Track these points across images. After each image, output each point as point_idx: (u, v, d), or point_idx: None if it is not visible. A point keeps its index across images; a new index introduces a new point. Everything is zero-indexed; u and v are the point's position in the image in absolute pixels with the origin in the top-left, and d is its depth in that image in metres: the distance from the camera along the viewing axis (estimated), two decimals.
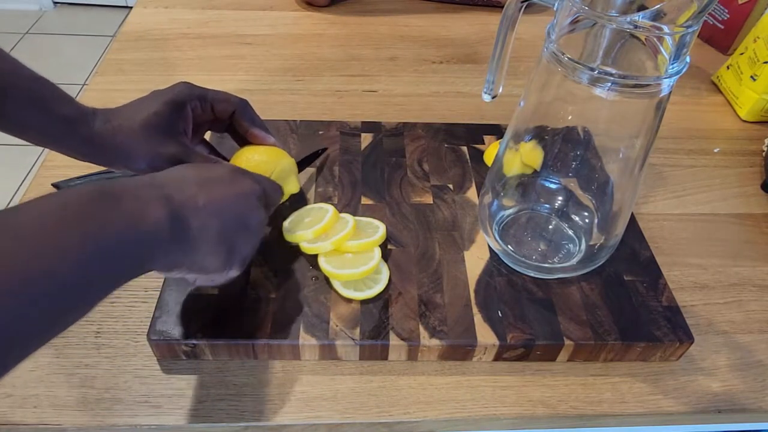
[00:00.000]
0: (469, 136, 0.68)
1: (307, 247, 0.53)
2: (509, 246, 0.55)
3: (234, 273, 0.45)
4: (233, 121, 0.55)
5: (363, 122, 0.69)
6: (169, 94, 0.51)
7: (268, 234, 0.55)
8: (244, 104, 0.55)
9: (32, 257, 0.29)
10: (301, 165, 0.61)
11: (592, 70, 0.42)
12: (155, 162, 0.50)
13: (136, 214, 0.35)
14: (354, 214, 0.57)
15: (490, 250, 0.56)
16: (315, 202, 0.59)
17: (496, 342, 0.48)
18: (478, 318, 0.50)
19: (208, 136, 0.61)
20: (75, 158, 0.51)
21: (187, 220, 0.39)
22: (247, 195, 0.44)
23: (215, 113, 0.54)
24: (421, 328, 0.49)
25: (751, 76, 0.78)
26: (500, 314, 0.50)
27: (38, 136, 0.49)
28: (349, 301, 0.50)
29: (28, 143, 0.50)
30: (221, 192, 0.42)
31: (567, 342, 0.49)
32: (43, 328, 0.31)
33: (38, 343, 0.31)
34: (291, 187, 0.56)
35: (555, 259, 0.55)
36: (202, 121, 0.54)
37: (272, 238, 0.55)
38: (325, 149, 0.65)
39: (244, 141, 0.56)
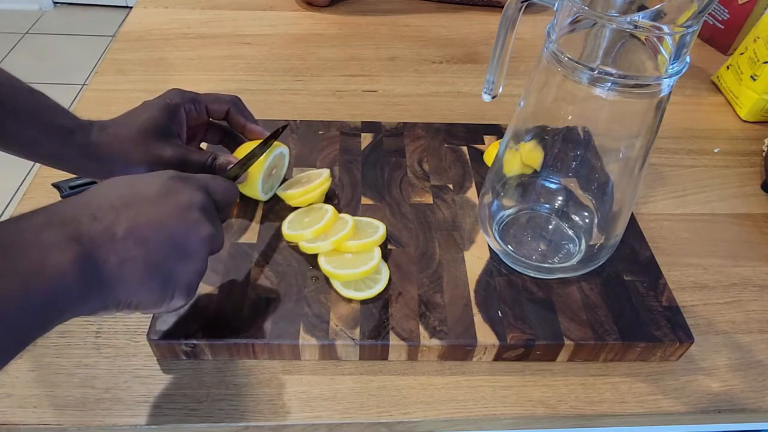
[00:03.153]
0: (469, 136, 0.68)
1: (306, 247, 0.53)
2: (509, 246, 0.55)
3: (178, 303, 0.39)
4: (229, 119, 0.56)
5: (363, 122, 0.69)
6: (161, 101, 0.52)
7: (225, 247, 0.50)
8: (237, 101, 0.56)
9: None
10: (266, 143, 0.57)
11: (592, 70, 0.42)
12: (154, 167, 0.50)
13: (31, 272, 0.30)
14: (354, 214, 0.57)
15: (490, 250, 0.56)
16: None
17: (496, 342, 0.48)
18: (478, 318, 0.50)
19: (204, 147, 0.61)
20: (72, 172, 0.51)
21: (102, 258, 0.33)
22: (184, 209, 0.38)
23: (209, 114, 0.55)
24: (421, 328, 0.49)
25: (751, 76, 0.78)
26: (500, 314, 0.50)
27: (35, 148, 0.48)
28: (349, 301, 0.50)
29: None
30: (148, 212, 0.36)
31: (567, 342, 0.49)
32: None
33: None
34: (283, 171, 0.60)
35: (555, 259, 0.55)
36: (197, 123, 0.55)
37: (272, 238, 0.55)
38: (286, 125, 0.60)
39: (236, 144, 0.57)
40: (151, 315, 0.49)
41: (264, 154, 0.55)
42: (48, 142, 0.48)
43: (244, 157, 0.53)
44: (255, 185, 0.55)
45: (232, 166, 0.52)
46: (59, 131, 0.48)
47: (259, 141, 0.55)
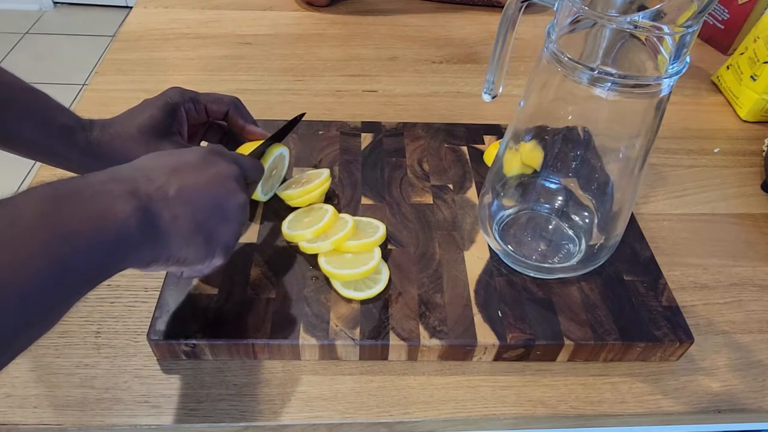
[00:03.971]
0: (469, 136, 0.68)
1: (306, 247, 0.53)
2: (509, 246, 0.55)
3: (218, 262, 0.43)
4: (228, 120, 0.56)
5: (363, 122, 0.69)
6: (161, 99, 0.52)
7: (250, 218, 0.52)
8: (237, 102, 0.56)
9: None
10: (281, 135, 0.58)
11: (592, 70, 0.42)
12: None
13: (100, 215, 0.33)
14: (354, 214, 0.57)
15: (490, 250, 0.56)
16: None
17: (496, 342, 0.48)
18: (478, 318, 0.50)
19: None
20: (73, 171, 0.51)
21: (157, 212, 0.37)
22: (222, 178, 0.42)
23: (209, 114, 0.55)
24: (421, 328, 0.49)
25: (751, 76, 0.78)
26: (500, 314, 0.50)
27: (36, 147, 0.49)
28: (349, 301, 0.50)
29: None
30: (194, 178, 0.40)
31: (567, 342, 0.49)
32: (14, 336, 0.29)
33: (15, 348, 0.30)
34: (283, 172, 0.60)
35: (555, 259, 0.55)
36: (197, 123, 0.55)
37: (272, 238, 0.55)
38: (303, 114, 0.61)
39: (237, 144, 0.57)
40: (156, 314, 0.49)
41: (263, 159, 0.55)
42: (49, 141, 0.48)
43: (261, 144, 0.54)
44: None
45: (253, 150, 0.53)
46: (60, 130, 0.48)
47: (259, 142, 0.55)
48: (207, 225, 0.40)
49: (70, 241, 0.31)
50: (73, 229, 0.31)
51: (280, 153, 0.57)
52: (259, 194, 0.56)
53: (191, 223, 0.39)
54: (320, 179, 0.58)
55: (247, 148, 0.55)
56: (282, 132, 0.57)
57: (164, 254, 0.38)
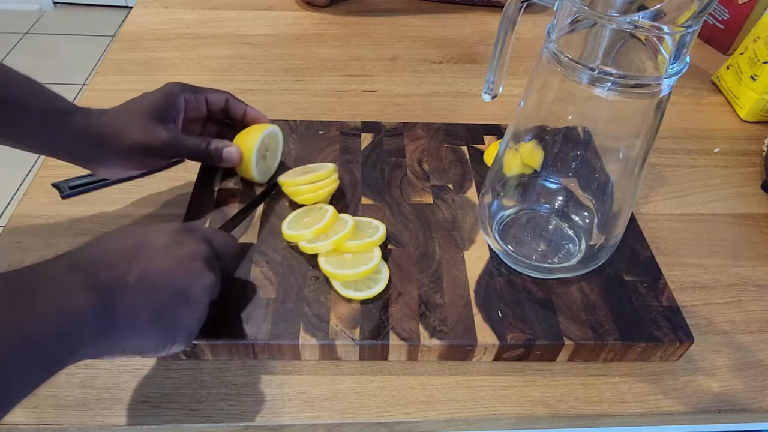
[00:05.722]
0: (469, 136, 0.68)
1: (306, 247, 0.53)
2: (509, 246, 0.55)
3: (177, 348, 0.41)
4: (228, 109, 0.58)
5: (363, 122, 0.69)
6: (161, 90, 0.54)
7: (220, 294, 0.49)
8: (232, 95, 0.58)
9: None
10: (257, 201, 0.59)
11: (592, 70, 0.42)
12: (149, 149, 0.51)
13: (56, 307, 0.32)
14: (354, 214, 0.57)
15: (490, 250, 0.56)
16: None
17: (496, 342, 0.48)
18: (478, 318, 0.50)
19: None
20: (67, 158, 0.51)
21: (115, 304, 0.35)
22: (188, 259, 0.40)
23: (209, 104, 0.57)
24: (421, 328, 0.49)
25: (751, 76, 0.78)
26: (500, 314, 0.50)
27: (31, 132, 0.49)
28: (349, 301, 0.50)
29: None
30: (156, 263, 0.38)
31: (567, 342, 0.49)
32: None
33: None
34: (279, 152, 0.62)
35: (555, 259, 0.55)
36: (196, 116, 0.57)
37: (272, 238, 0.55)
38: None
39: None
40: None
41: (252, 135, 0.57)
42: (44, 125, 0.48)
43: (239, 212, 0.56)
44: (249, 165, 0.57)
45: (224, 223, 0.54)
46: (56, 113, 0.49)
47: (257, 126, 0.58)
48: (167, 313, 0.39)
49: (23, 337, 0.30)
50: (27, 325, 0.30)
51: (267, 132, 0.58)
52: (255, 176, 0.57)
53: (151, 312, 0.38)
54: (329, 179, 0.58)
55: (245, 133, 0.57)
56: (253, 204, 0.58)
57: (118, 346, 0.37)
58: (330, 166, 0.59)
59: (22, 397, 0.32)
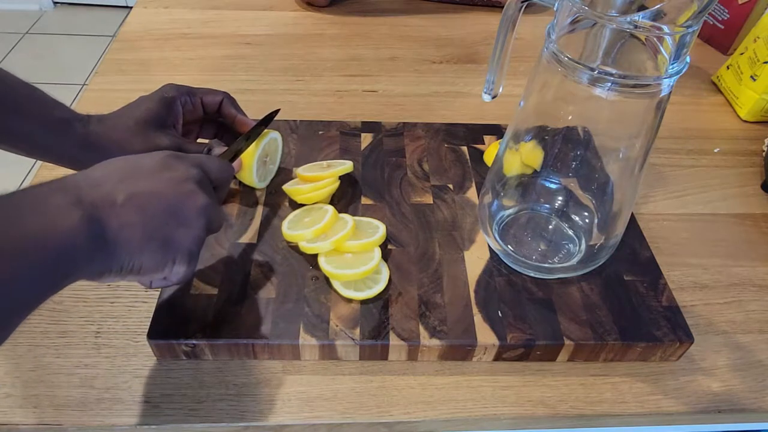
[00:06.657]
0: (469, 136, 0.68)
1: (306, 247, 0.53)
2: (509, 246, 0.54)
3: (181, 269, 0.41)
4: (221, 111, 0.57)
5: (363, 122, 0.69)
6: (157, 94, 0.54)
7: (225, 220, 0.51)
8: (228, 95, 0.58)
9: None
10: (255, 132, 0.57)
11: (592, 70, 0.42)
12: None
13: (46, 228, 0.32)
14: (354, 214, 0.57)
15: (490, 250, 0.56)
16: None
17: (496, 342, 0.48)
18: (478, 318, 0.50)
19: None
20: (68, 165, 0.51)
21: (104, 221, 0.35)
22: (179, 181, 0.41)
23: (204, 106, 0.56)
24: (421, 328, 0.49)
25: (751, 76, 0.78)
26: (500, 314, 0.50)
27: (33, 141, 0.49)
28: (349, 301, 0.50)
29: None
30: (146, 183, 0.39)
31: (567, 342, 0.49)
32: None
33: None
34: (278, 157, 0.62)
35: (555, 259, 0.55)
36: (193, 118, 0.57)
37: (272, 238, 0.55)
38: (278, 110, 0.61)
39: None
40: (156, 314, 0.49)
41: (254, 143, 0.56)
42: (46, 134, 0.48)
43: (235, 143, 0.54)
44: (249, 172, 0.57)
45: (223, 152, 0.53)
46: (57, 122, 0.49)
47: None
48: (162, 231, 0.39)
49: (11, 259, 0.30)
50: (14, 247, 0.30)
51: (270, 138, 0.58)
52: (255, 181, 0.57)
53: (142, 230, 0.37)
54: (329, 179, 0.58)
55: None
56: (256, 129, 0.57)
57: (115, 264, 0.37)
58: (349, 164, 0.60)
59: (24, 315, 0.32)
